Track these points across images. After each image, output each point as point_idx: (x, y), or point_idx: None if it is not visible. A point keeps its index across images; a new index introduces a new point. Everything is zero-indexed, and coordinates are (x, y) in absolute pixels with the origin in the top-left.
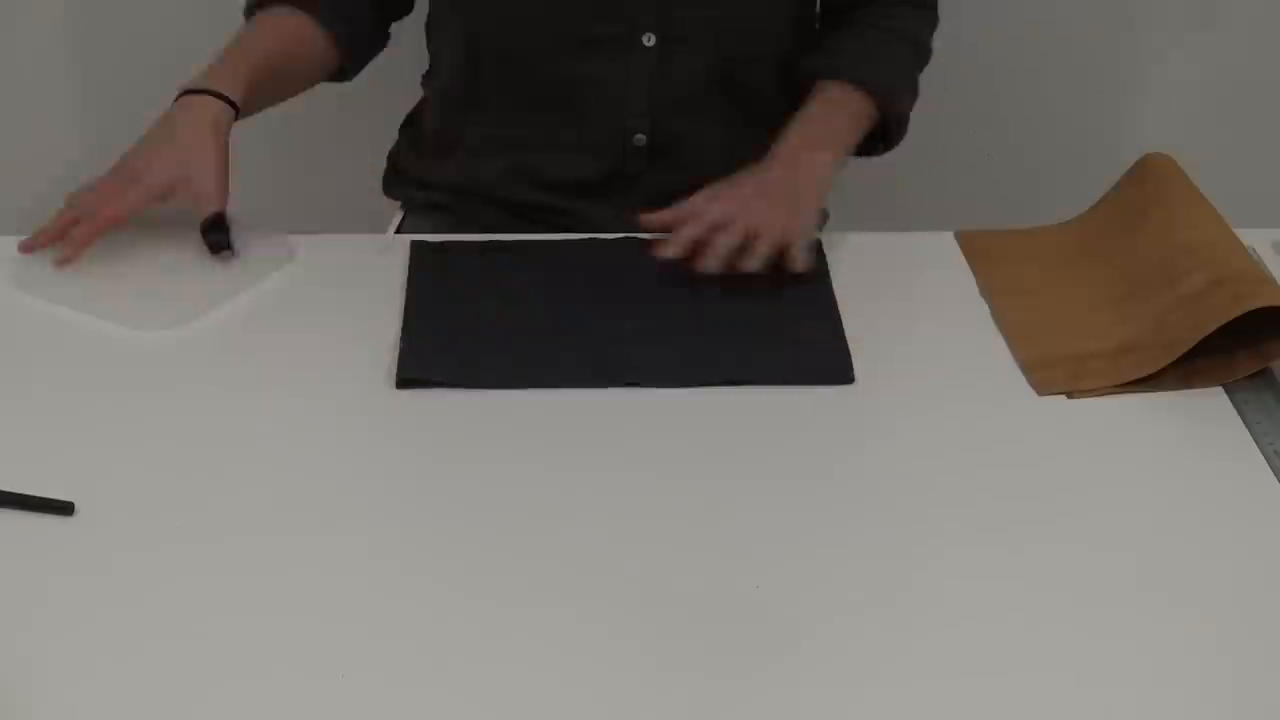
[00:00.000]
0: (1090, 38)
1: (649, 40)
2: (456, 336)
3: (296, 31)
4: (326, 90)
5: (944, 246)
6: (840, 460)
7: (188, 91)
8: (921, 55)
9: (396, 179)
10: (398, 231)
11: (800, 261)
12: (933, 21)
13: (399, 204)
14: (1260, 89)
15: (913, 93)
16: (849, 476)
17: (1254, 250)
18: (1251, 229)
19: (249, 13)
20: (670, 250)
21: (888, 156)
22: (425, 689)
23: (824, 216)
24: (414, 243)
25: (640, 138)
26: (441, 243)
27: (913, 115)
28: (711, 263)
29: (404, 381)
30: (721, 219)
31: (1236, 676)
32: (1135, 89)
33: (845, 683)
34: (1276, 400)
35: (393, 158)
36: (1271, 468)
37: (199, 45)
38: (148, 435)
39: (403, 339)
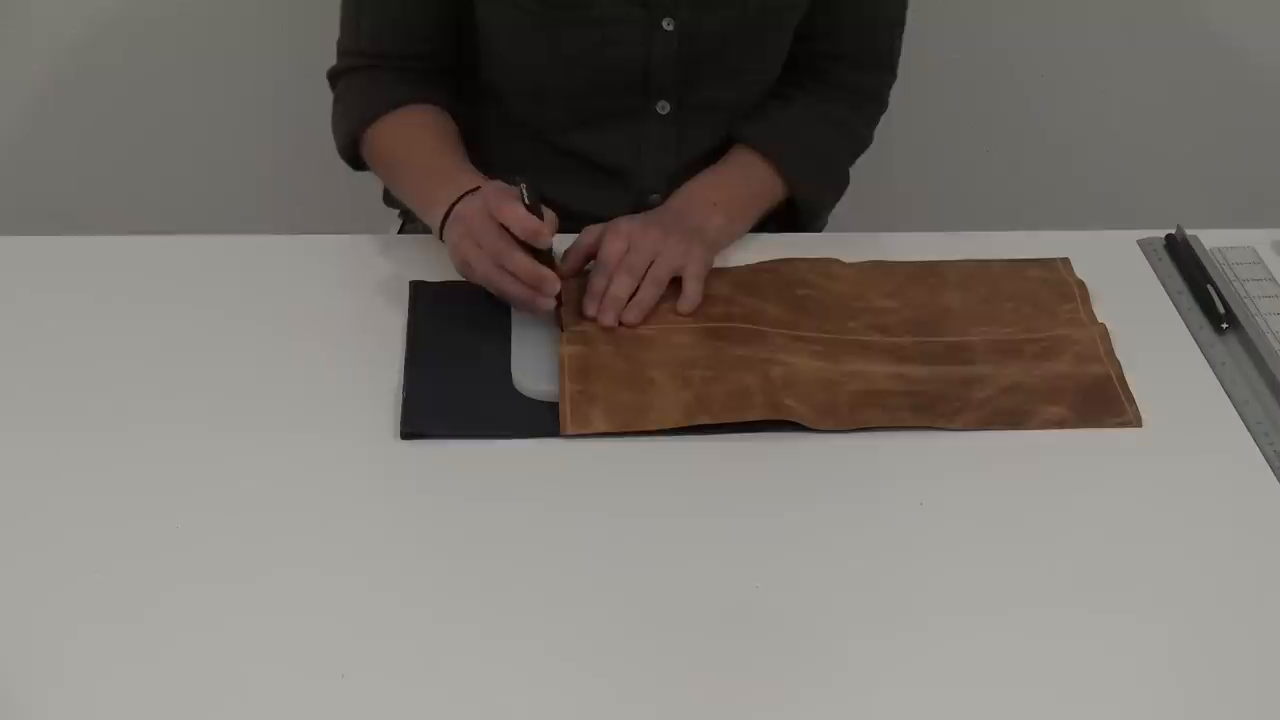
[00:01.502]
0: (1090, 38)
1: (663, 108)
2: (459, 385)
3: (446, 119)
4: (326, 90)
5: (944, 247)
6: (838, 465)
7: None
8: (855, 145)
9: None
10: (399, 233)
11: (691, 298)
12: (879, 112)
13: (397, 212)
14: (1260, 90)
15: (835, 177)
16: (847, 482)
17: (1226, 268)
18: (1251, 229)
19: (336, 78)
20: (606, 318)
21: (888, 156)
22: (425, 689)
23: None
24: (413, 284)
25: (655, 198)
26: (442, 283)
27: (913, 115)
28: (609, 317)
29: (408, 435)
30: (616, 255)
31: (1237, 678)
32: (1135, 89)
33: (846, 686)
34: (1276, 400)
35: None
36: (1271, 468)
37: (197, 45)
38: (146, 435)
39: (404, 388)
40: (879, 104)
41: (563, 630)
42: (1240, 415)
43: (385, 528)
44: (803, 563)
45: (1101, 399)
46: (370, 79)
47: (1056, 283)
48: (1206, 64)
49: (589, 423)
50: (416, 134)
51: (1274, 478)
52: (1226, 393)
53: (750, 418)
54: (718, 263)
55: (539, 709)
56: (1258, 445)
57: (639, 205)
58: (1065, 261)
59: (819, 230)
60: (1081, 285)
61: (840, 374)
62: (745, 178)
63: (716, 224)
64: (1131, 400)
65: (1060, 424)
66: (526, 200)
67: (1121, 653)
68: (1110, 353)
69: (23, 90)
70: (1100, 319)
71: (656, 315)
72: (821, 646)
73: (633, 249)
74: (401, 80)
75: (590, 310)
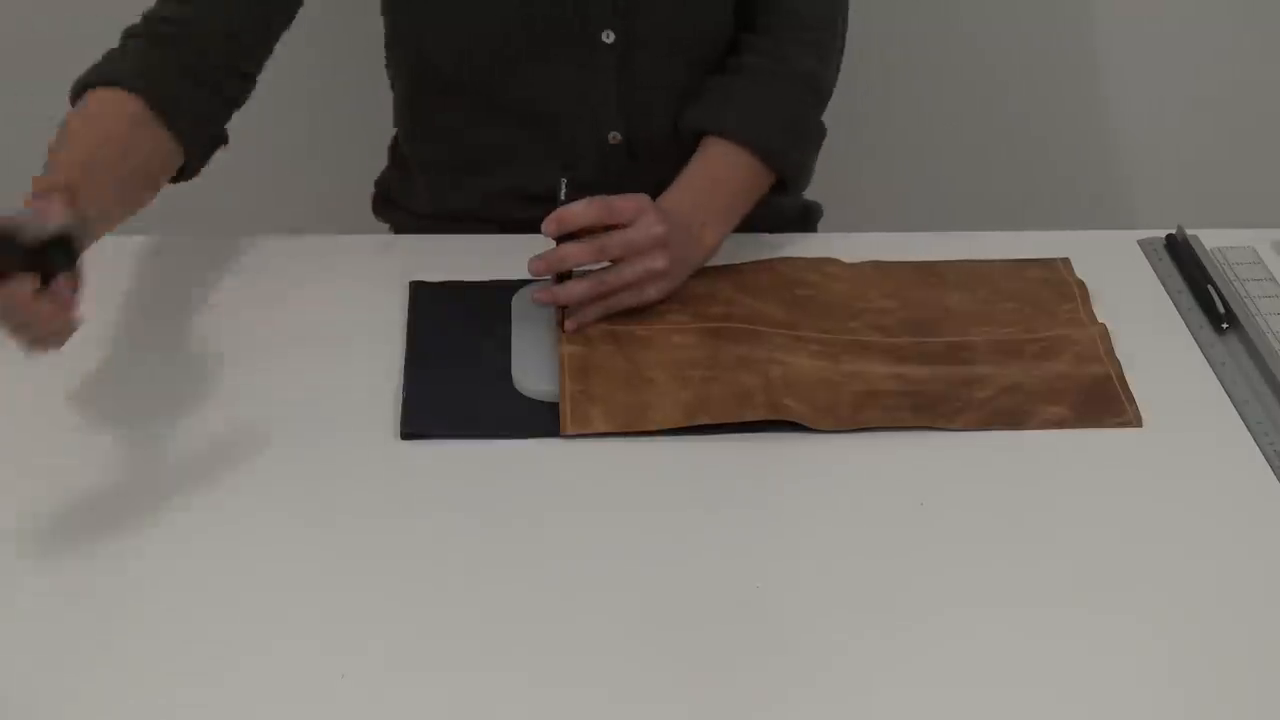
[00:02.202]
0: (1090, 37)
1: (608, 37)
2: (459, 385)
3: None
4: (329, 88)
5: (944, 247)
6: (838, 465)
7: None
8: (821, 94)
9: (386, 204)
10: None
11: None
12: (830, 49)
13: (388, 227)
14: (1260, 89)
15: (813, 138)
16: (847, 482)
17: (1226, 268)
18: (1252, 229)
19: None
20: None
21: (887, 156)
22: (424, 689)
23: (819, 212)
24: (413, 284)
25: (615, 135)
26: (442, 283)
27: (912, 115)
28: (545, 296)
29: (408, 435)
30: (635, 247)
31: (1237, 678)
32: (1135, 89)
33: (846, 685)
34: (1277, 400)
35: (380, 184)
36: (1272, 468)
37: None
38: (146, 435)
39: (404, 388)
40: (834, 39)
41: (563, 630)
42: (1240, 415)
43: (385, 528)
44: (803, 562)
45: (1101, 399)
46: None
47: (1057, 283)
48: (1207, 63)
49: (589, 423)
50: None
51: (1274, 477)
52: (1227, 392)
53: (750, 418)
54: (715, 261)
55: (539, 708)
56: (1258, 445)
57: (598, 145)
58: (1065, 261)
59: (805, 187)
60: (1081, 285)
61: (840, 374)
62: (730, 174)
63: (705, 248)
64: (1131, 400)
65: (1060, 424)
66: (563, 197)
67: (1122, 652)
68: (1110, 352)
69: (23, 90)
70: (1100, 319)
71: (656, 316)
72: (822, 646)
73: (632, 229)
74: (169, 62)
75: (540, 266)
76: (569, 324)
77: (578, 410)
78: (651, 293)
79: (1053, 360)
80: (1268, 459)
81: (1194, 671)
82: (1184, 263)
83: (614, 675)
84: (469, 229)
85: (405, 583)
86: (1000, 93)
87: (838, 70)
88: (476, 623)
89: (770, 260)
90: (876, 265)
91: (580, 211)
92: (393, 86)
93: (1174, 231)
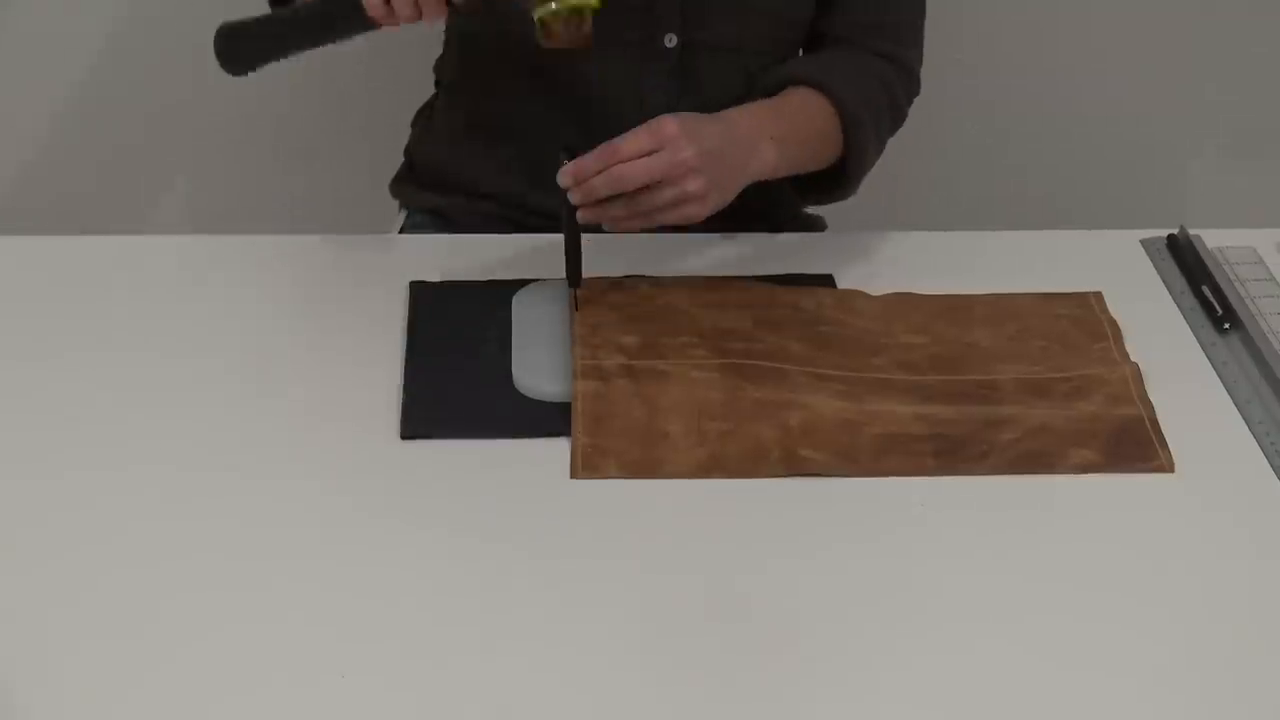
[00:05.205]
0: (1091, 38)
1: (670, 41)
2: (460, 385)
3: None
4: (329, 88)
5: (945, 246)
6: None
7: None
8: (897, 115)
9: (409, 177)
10: (400, 232)
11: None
12: (914, 90)
13: (398, 204)
14: (1262, 89)
15: (877, 149)
16: (848, 485)
17: (1228, 268)
18: (1252, 229)
19: None
20: (580, 194)
21: (888, 156)
22: (424, 689)
23: (822, 224)
24: (413, 284)
25: None
26: (442, 283)
27: (914, 114)
28: (616, 219)
29: (408, 435)
30: (663, 173)
31: (1239, 678)
32: (1138, 89)
33: (844, 690)
34: (1278, 400)
35: (409, 152)
36: (1272, 467)
37: (197, 45)
38: (146, 436)
39: (404, 388)
40: (913, 79)
41: (563, 629)
42: (1242, 415)
43: (385, 528)
44: (803, 569)
45: (1133, 442)
46: None
47: (1088, 320)
48: (1209, 63)
49: (599, 471)
50: None
51: (1274, 477)
52: (1228, 392)
53: (766, 476)
54: (730, 272)
55: (539, 708)
56: (1259, 444)
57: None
58: (1097, 296)
59: (854, 187)
60: (1113, 323)
61: (862, 414)
62: (809, 115)
63: (764, 162)
64: (1164, 444)
65: (1089, 469)
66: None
67: (1123, 655)
68: (1143, 394)
69: (23, 90)
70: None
71: (676, 350)
72: (821, 653)
73: (656, 157)
74: None
75: (565, 180)
76: (584, 213)
77: (589, 460)
78: (693, 211)
79: (1083, 400)
80: (1269, 458)
81: (1192, 673)
82: (1186, 263)
83: (613, 675)
84: (481, 210)
85: (405, 583)
86: (1002, 92)
87: (909, 102)
88: (476, 622)
89: (794, 294)
90: (902, 298)
91: (592, 164)
92: (448, 43)
93: (1176, 231)
